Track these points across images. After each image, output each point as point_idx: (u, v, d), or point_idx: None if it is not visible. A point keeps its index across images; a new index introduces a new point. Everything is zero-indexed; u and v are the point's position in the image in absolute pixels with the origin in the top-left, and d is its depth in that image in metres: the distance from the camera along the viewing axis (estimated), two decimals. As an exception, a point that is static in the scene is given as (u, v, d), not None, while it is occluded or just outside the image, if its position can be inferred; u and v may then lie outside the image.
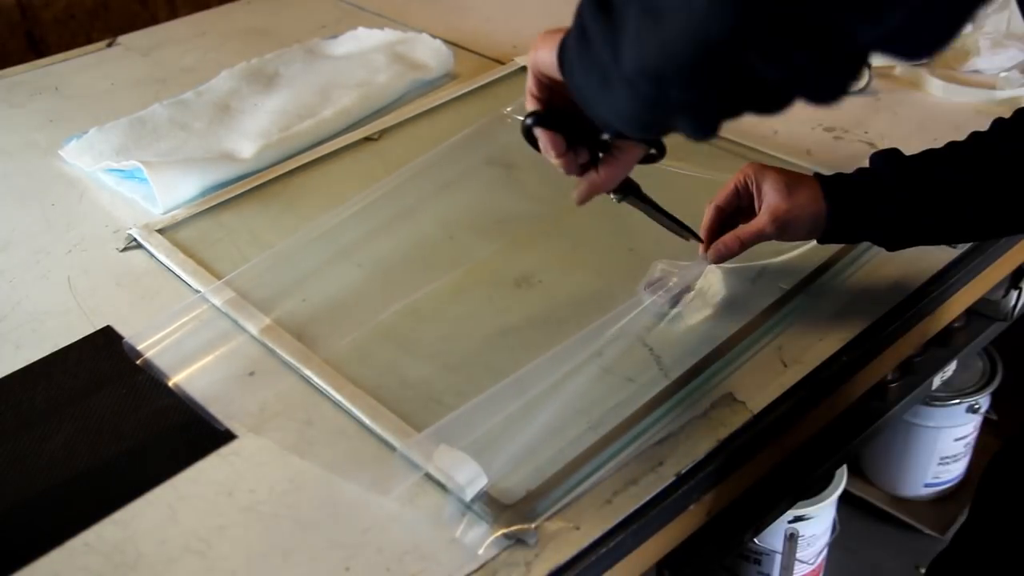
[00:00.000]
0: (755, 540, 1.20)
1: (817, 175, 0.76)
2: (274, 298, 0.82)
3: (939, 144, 0.76)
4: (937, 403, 1.38)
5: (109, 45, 1.36)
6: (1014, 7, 1.16)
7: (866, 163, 0.76)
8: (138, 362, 0.76)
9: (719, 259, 0.77)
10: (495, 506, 0.63)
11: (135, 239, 0.92)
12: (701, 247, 0.78)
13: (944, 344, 1.01)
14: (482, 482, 0.63)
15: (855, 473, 1.54)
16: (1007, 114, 0.76)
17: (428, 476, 0.65)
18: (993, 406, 1.43)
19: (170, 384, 0.74)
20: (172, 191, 0.96)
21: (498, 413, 0.68)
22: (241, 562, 0.61)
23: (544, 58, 0.60)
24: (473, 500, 0.63)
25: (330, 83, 1.16)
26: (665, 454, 0.67)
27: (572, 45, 0.54)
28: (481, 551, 0.60)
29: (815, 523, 1.21)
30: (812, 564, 1.27)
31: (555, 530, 0.62)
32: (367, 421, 0.70)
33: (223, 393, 0.73)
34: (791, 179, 0.75)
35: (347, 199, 0.94)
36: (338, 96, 1.13)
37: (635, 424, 0.68)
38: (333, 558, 0.61)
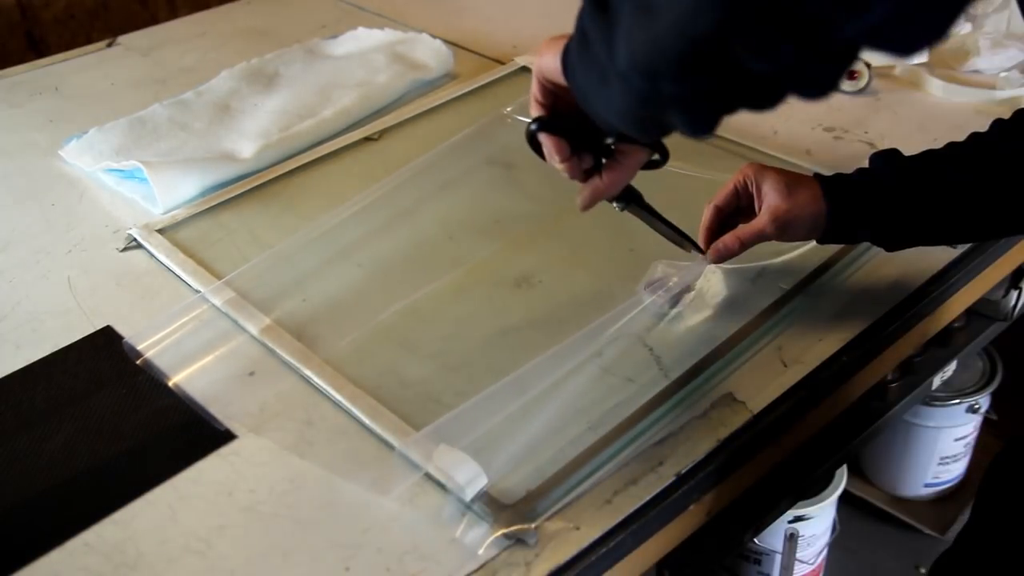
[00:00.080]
0: (755, 540, 1.20)
1: (817, 175, 0.76)
2: (274, 298, 0.82)
3: (939, 144, 0.76)
4: (937, 403, 1.38)
5: (109, 45, 1.36)
6: (1014, 7, 1.16)
7: (866, 163, 0.76)
8: (138, 362, 0.76)
9: (719, 259, 0.77)
10: (495, 506, 0.63)
11: (135, 239, 0.92)
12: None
13: (944, 344, 1.01)
14: (482, 482, 0.63)
15: (855, 473, 1.54)
16: (1007, 114, 0.76)
17: (428, 476, 0.65)
18: (993, 406, 1.43)
19: (170, 384, 0.74)
20: (172, 191, 0.96)
21: (498, 413, 0.68)
22: (241, 562, 0.61)
23: (548, 63, 0.61)
24: (473, 500, 0.63)
25: (330, 83, 1.16)
26: (665, 454, 0.67)
27: (573, 48, 0.55)
28: (481, 551, 0.60)
29: (815, 523, 1.21)
30: (812, 564, 1.27)
31: (555, 530, 0.62)
32: (367, 421, 0.70)
33: (223, 393, 0.73)
34: (791, 179, 0.75)
35: (347, 199, 0.94)
36: (338, 96, 1.13)
37: (635, 424, 0.68)
38: (333, 558, 0.61)
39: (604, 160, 0.67)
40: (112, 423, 0.72)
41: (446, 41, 1.24)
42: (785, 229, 0.74)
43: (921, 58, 1.15)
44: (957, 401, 1.38)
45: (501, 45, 1.28)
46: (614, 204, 0.74)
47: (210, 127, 1.09)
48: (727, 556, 1.17)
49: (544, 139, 0.65)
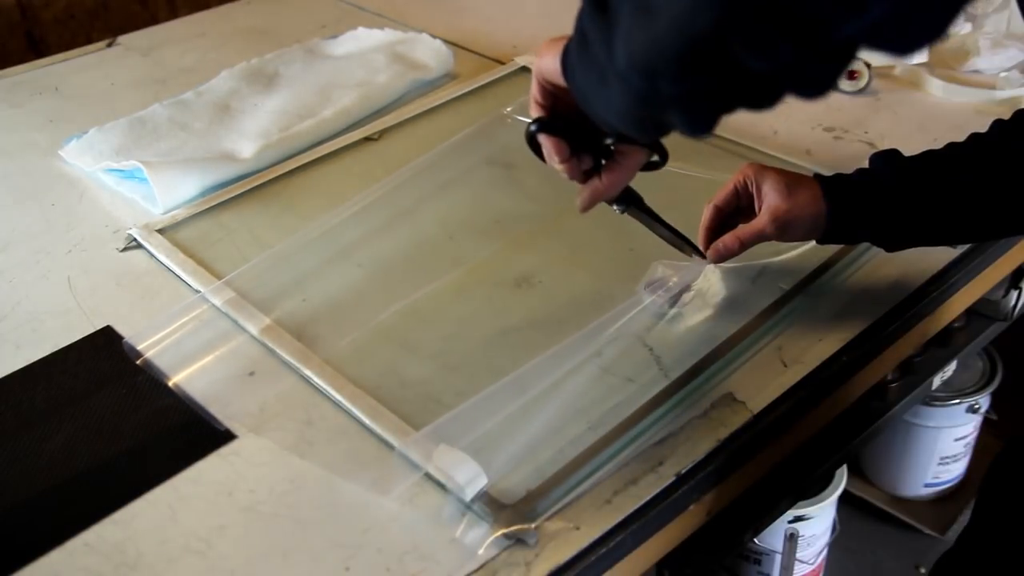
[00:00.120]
0: (755, 540, 1.20)
1: (817, 175, 0.76)
2: (274, 298, 0.82)
3: (939, 144, 0.76)
4: (937, 403, 1.38)
5: (109, 45, 1.36)
6: (1014, 7, 1.16)
7: (866, 163, 0.76)
8: (138, 362, 0.76)
9: (719, 259, 0.77)
10: (495, 506, 0.63)
11: (135, 239, 0.92)
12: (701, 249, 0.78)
13: (944, 344, 1.01)
14: (482, 482, 0.63)
15: (855, 473, 1.54)
16: (1007, 114, 0.76)
17: (428, 476, 0.65)
18: (993, 406, 1.43)
19: (170, 384, 0.74)
20: (172, 191, 0.96)
21: (498, 413, 0.68)
22: (241, 562, 0.61)
23: (548, 65, 0.61)
24: (473, 500, 0.63)
25: (330, 83, 1.16)
26: (665, 454, 0.67)
27: (573, 48, 0.55)
28: (481, 551, 0.60)
29: (815, 523, 1.21)
30: (812, 564, 1.27)
31: (555, 530, 0.62)
32: (367, 421, 0.70)
33: (223, 393, 0.73)
34: (791, 179, 0.75)
35: (347, 199, 0.94)
36: (338, 96, 1.13)
37: (635, 424, 0.68)
38: (333, 558, 0.61)
39: (603, 161, 0.67)
40: (112, 423, 0.72)
41: (446, 41, 1.24)
42: (785, 229, 0.74)
43: (921, 58, 1.15)
44: (957, 401, 1.38)
45: (501, 45, 1.28)
46: (614, 207, 0.74)
47: (210, 127, 1.09)
48: (727, 556, 1.17)
49: (544, 140, 0.65)
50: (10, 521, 0.65)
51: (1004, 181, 0.73)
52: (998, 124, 0.75)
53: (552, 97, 0.64)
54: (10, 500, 0.66)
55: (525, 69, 1.20)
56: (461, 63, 1.23)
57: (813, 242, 0.78)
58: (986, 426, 1.48)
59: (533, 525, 0.61)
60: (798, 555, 1.21)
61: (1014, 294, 1.04)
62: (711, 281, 0.81)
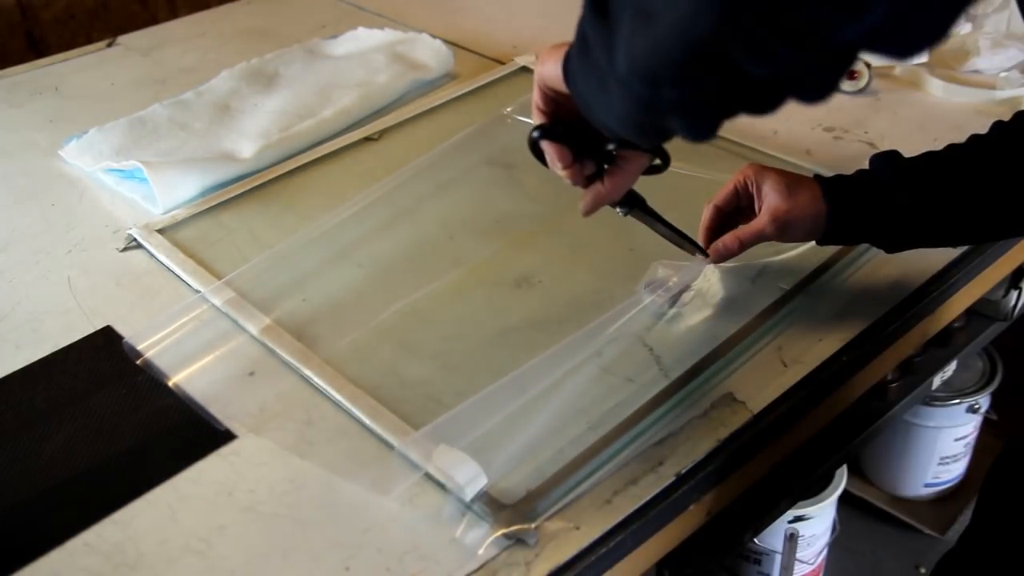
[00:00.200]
0: (755, 540, 1.20)
1: (817, 176, 0.76)
2: (274, 298, 0.82)
3: (939, 144, 0.76)
4: (937, 403, 1.38)
5: (109, 45, 1.36)
6: (1014, 7, 1.16)
7: (866, 164, 0.76)
8: (138, 362, 0.76)
9: (719, 259, 0.77)
10: (495, 506, 0.63)
11: (135, 239, 0.92)
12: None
13: (944, 344, 1.01)
14: (482, 482, 0.63)
15: (855, 473, 1.54)
16: (1007, 114, 0.76)
17: (428, 476, 0.65)
18: (993, 406, 1.43)
19: (170, 384, 0.74)
20: (172, 191, 0.96)
21: (497, 412, 0.68)
22: (241, 562, 0.61)
23: (550, 71, 0.61)
24: (473, 500, 0.63)
25: (330, 83, 1.16)
26: (665, 454, 0.67)
27: (574, 54, 0.55)
28: (481, 551, 0.60)
29: (815, 523, 1.21)
30: (812, 564, 1.27)
31: (555, 530, 0.62)
32: (367, 421, 0.70)
33: (223, 393, 0.73)
34: (791, 180, 0.75)
35: (347, 199, 0.94)
36: (338, 96, 1.13)
37: (635, 424, 0.68)
38: (333, 558, 0.61)
39: (606, 166, 0.67)
40: (112, 423, 0.72)
41: (446, 41, 1.24)
42: (785, 230, 0.74)
43: (921, 58, 1.15)
44: (957, 401, 1.38)
45: (501, 45, 1.28)
46: (617, 209, 0.74)
47: (210, 127, 1.09)
48: (727, 556, 1.17)
49: (547, 146, 0.65)
50: (10, 521, 0.65)
51: (1004, 182, 0.73)
52: (998, 125, 0.75)
53: (554, 103, 0.64)
54: (10, 500, 0.66)
55: (525, 69, 1.20)
56: (461, 63, 1.23)
57: (813, 242, 0.78)
58: (986, 426, 1.48)
59: (533, 525, 0.61)
60: (798, 555, 1.21)
61: (1014, 294, 1.04)
62: (711, 281, 0.81)
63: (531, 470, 0.65)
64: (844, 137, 1.05)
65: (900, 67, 1.16)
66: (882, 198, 0.73)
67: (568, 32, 0.56)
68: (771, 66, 0.41)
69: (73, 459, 0.69)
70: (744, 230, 0.75)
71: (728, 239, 0.76)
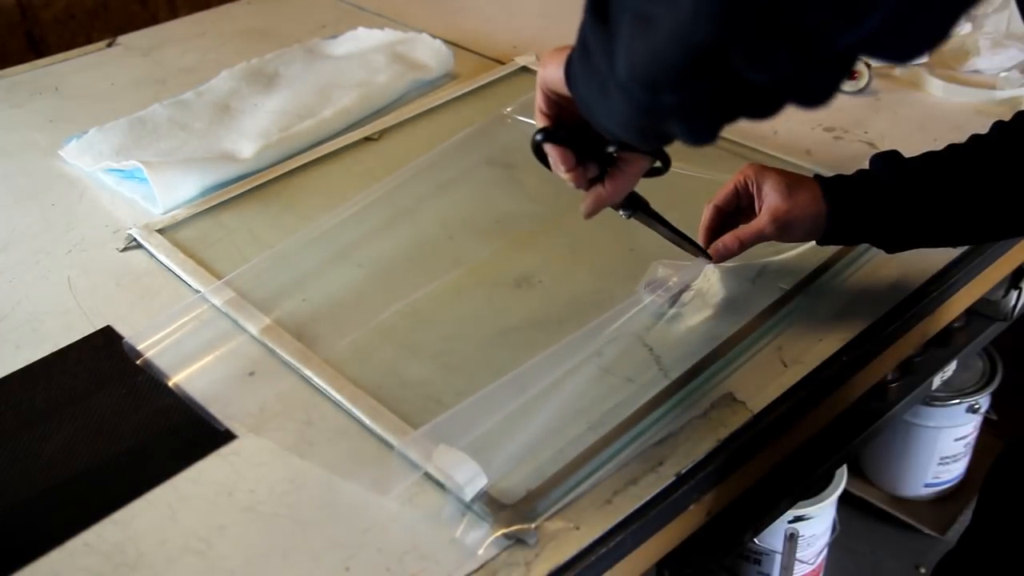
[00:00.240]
0: (755, 540, 1.20)
1: (817, 176, 0.76)
2: (274, 298, 0.82)
3: (939, 144, 0.76)
4: (937, 403, 1.38)
5: (109, 45, 1.36)
6: (1014, 7, 1.16)
7: (866, 164, 0.76)
8: (138, 362, 0.76)
9: (719, 259, 0.77)
10: (495, 506, 0.63)
11: (135, 239, 0.92)
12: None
13: (944, 344, 1.01)
14: (482, 482, 0.63)
15: (855, 473, 1.54)
16: (1007, 114, 0.76)
17: (428, 476, 0.65)
18: (993, 406, 1.43)
19: (170, 384, 0.74)
20: (172, 191, 0.96)
21: (497, 412, 0.68)
22: (241, 562, 0.61)
23: (552, 74, 0.61)
24: (473, 500, 0.63)
25: (330, 83, 1.16)
26: (665, 454, 0.67)
27: (576, 58, 0.55)
28: (481, 551, 0.60)
29: (815, 523, 1.21)
30: (812, 564, 1.27)
31: (555, 530, 0.62)
32: (367, 421, 0.70)
33: (223, 393, 0.73)
34: (791, 180, 0.75)
35: (347, 199, 0.94)
36: (338, 96, 1.13)
37: (635, 424, 0.68)
38: (333, 558, 0.61)
39: (607, 168, 0.67)
40: (112, 423, 0.72)
41: (446, 41, 1.24)
42: (785, 230, 0.74)
43: (921, 59, 1.15)
44: (957, 401, 1.38)
45: (501, 45, 1.28)
46: (620, 212, 0.74)
47: (210, 127, 1.09)
48: (727, 556, 1.17)
49: (550, 150, 0.65)
50: (10, 521, 0.65)
51: (1004, 183, 0.73)
52: (998, 125, 0.75)
53: (557, 106, 0.64)
54: (10, 500, 0.66)
55: (525, 69, 1.20)
56: (461, 63, 1.23)
57: (813, 242, 0.78)
58: (986, 426, 1.48)
59: (533, 525, 0.61)
60: (798, 555, 1.21)
61: (1014, 294, 1.04)
62: (711, 281, 0.81)
63: (531, 470, 0.65)
64: (844, 137, 1.05)
65: (899, 67, 1.16)
66: (882, 198, 0.73)
67: (568, 32, 0.56)
68: (771, 72, 0.41)
69: (73, 459, 0.69)
70: (744, 230, 0.75)
71: (728, 239, 0.76)
